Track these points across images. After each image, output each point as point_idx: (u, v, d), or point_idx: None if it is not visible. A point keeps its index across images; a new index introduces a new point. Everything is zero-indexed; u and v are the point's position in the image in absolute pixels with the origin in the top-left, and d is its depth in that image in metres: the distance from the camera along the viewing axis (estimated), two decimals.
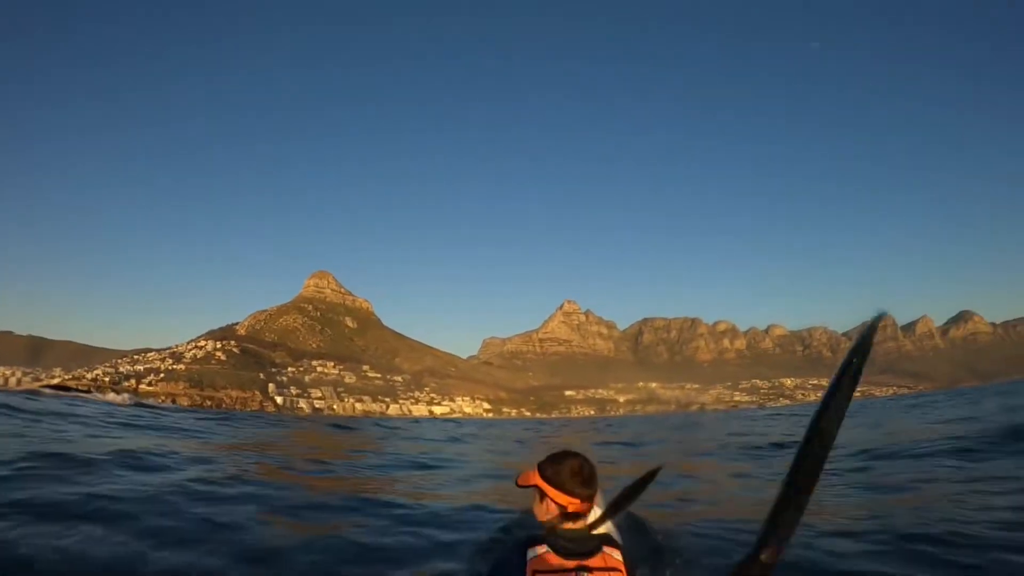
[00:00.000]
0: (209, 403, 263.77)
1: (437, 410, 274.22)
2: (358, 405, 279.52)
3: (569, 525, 2.74)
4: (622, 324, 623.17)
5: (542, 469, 2.84)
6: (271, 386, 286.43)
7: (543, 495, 2.79)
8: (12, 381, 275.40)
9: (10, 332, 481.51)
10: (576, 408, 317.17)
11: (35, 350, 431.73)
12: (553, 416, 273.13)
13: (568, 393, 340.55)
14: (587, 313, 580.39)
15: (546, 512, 2.79)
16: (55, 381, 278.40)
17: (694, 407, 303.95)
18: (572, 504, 2.69)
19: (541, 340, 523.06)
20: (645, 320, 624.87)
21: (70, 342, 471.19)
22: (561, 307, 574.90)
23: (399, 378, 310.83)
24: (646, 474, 3.41)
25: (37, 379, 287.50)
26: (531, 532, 2.83)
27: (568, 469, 2.84)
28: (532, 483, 2.92)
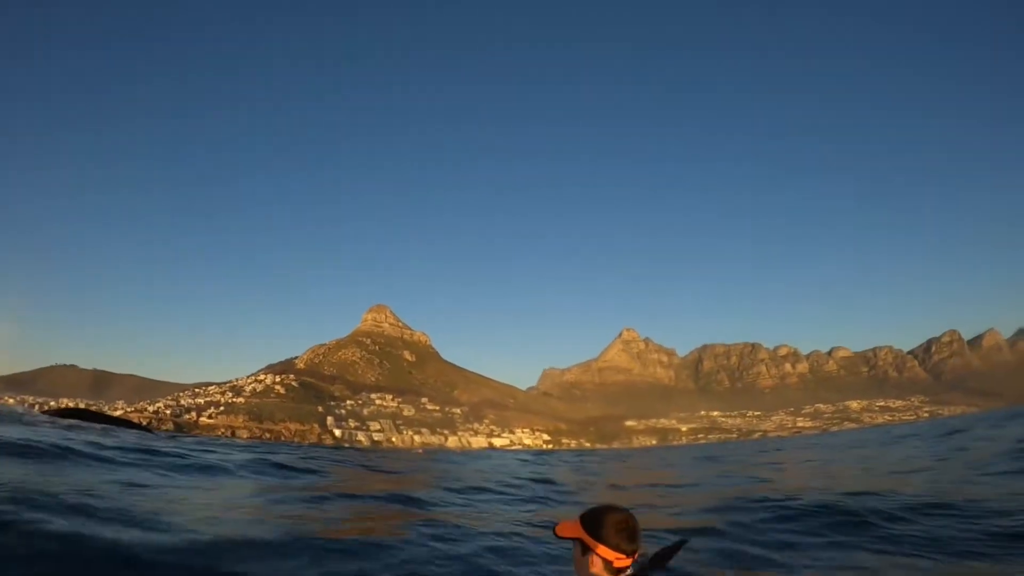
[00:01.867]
0: (268, 436, 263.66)
1: (497, 442, 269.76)
2: (416, 437, 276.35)
3: None
4: (682, 351, 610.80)
5: (586, 521, 2.66)
6: (329, 419, 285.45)
7: (586, 549, 2.64)
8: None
9: (75, 366, 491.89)
10: (637, 438, 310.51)
11: (99, 383, 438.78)
12: (614, 446, 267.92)
13: (629, 423, 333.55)
14: (646, 341, 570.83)
15: (589, 567, 2.63)
16: (117, 413, 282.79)
17: (756, 435, 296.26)
18: (619, 560, 2.54)
19: (600, 369, 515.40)
20: (704, 347, 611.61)
21: (133, 376, 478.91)
22: (620, 335, 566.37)
23: (458, 410, 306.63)
24: (673, 545, 3.04)
25: (101, 412, 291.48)
26: None
27: (614, 522, 2.63)
28: (575, 535, 2.71)
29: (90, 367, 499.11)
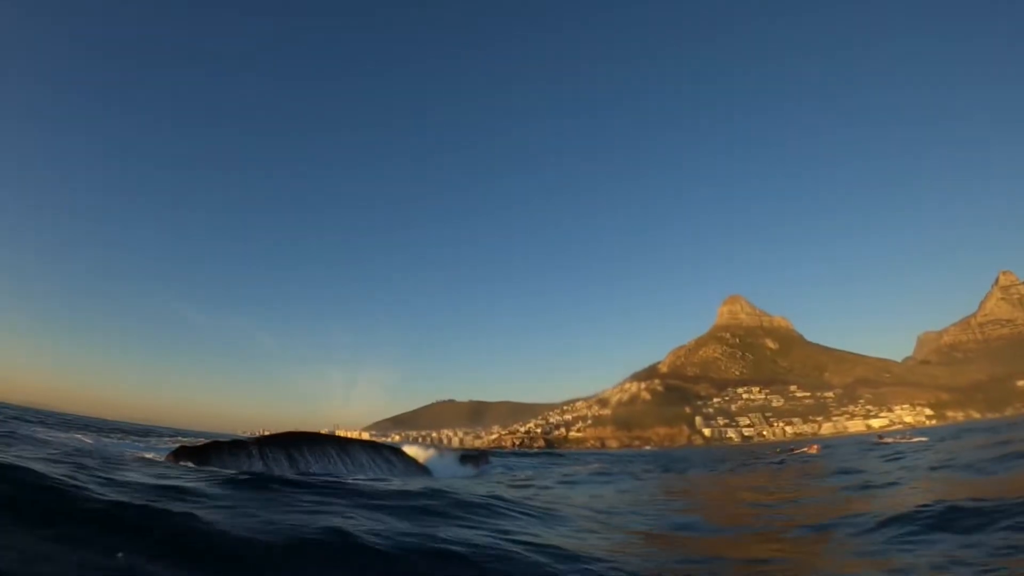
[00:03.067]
0: (637, 443, 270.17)
1: (875, 423, 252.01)
2: (788, 428, 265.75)
3: None
4: None
5: None
6: (697, 419, 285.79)
7: None
8: (455, 440, 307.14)
9: (452, 400, 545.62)
10: None
11: (475, 413, 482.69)
12: (1007, 413, 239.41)
13: (1020, 383, 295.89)
14: None
15: None
16: (493, 437, 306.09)
17: None
18: None
19: (980, 324, 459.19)
20: None
21: (505, 402, 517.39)
22: (997, 281, 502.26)
23: (830, 394, 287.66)
24: None
25: (478, 436, 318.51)
26: None
27: None
28: None
29: (466, 399, 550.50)
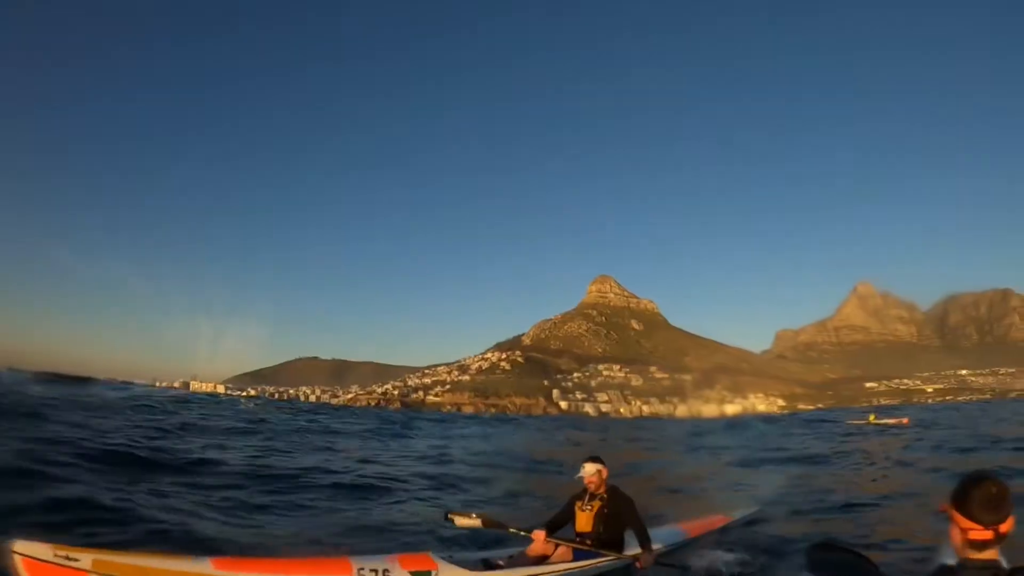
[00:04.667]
0: (493, 410, 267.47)
1: (729, 409, 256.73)
2: (645, 407, 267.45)
3: (974, 555, 2.50)
4: (924, 303, 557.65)
5: (955, 492, 2.55)
6: (555, 392, 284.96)
7: (950, 519, 2.57)
8: (312, 398, 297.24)
9: (316, 357, 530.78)
10: (879, 400, 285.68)
11: (338, 371, 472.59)
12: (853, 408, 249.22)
13: (869, 385, 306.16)
14: (884, 295, 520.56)
15: (953, 539, 2.59)
16: (349, 396, 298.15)
17: (1012, 394, 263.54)
18: (973, 531, 2.43)
19: (836, 328, 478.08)
20: (950, 297, 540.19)
21: (370, 362, 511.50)
22: (855, 290, 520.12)
23: (688, 377, 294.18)
24: None
25: (335, 395, 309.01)
26: (943, 562, 2.40)
27: (979, 492, 2.24)
28: (943, 507, 2.57)
29: (330, 357, 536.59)
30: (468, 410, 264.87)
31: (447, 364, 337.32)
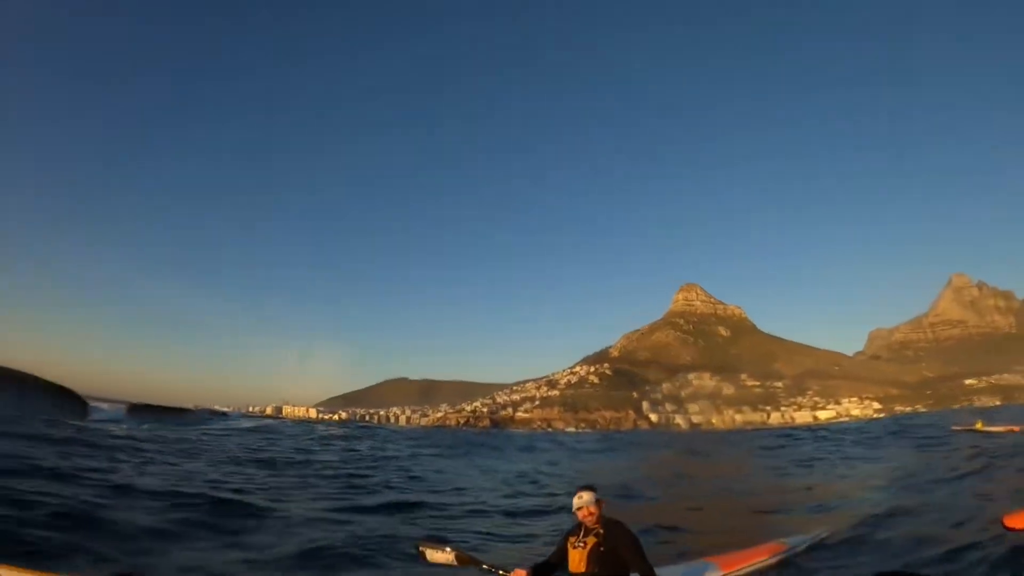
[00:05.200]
0: (583, 425, 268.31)
1: (822, 415, 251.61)
2: (737, 416, 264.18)
3: None
4: (1021, 292, 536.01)
5: None
6: (644, 404, 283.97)
7: None
8: (402, 418, 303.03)
9: (405, 378, 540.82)
10: (979, 399, 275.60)
11: (426, 391, 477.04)
12: (953, 409, 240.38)
13: (968, 382, 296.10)
14: (979, 285, 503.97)
15: None
16: (439, 415, 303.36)
17: None
18: None
19: (931, 324, 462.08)
20: None
21: (457, 381, 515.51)
22: (949, 282, 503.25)
23: (779, 384, 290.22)
24: None
25: (424, 415, 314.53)
26: None
27: None
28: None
29: (418, 377, 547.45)
30: (558, 426, 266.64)
31: (535, 380, 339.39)
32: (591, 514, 5.69)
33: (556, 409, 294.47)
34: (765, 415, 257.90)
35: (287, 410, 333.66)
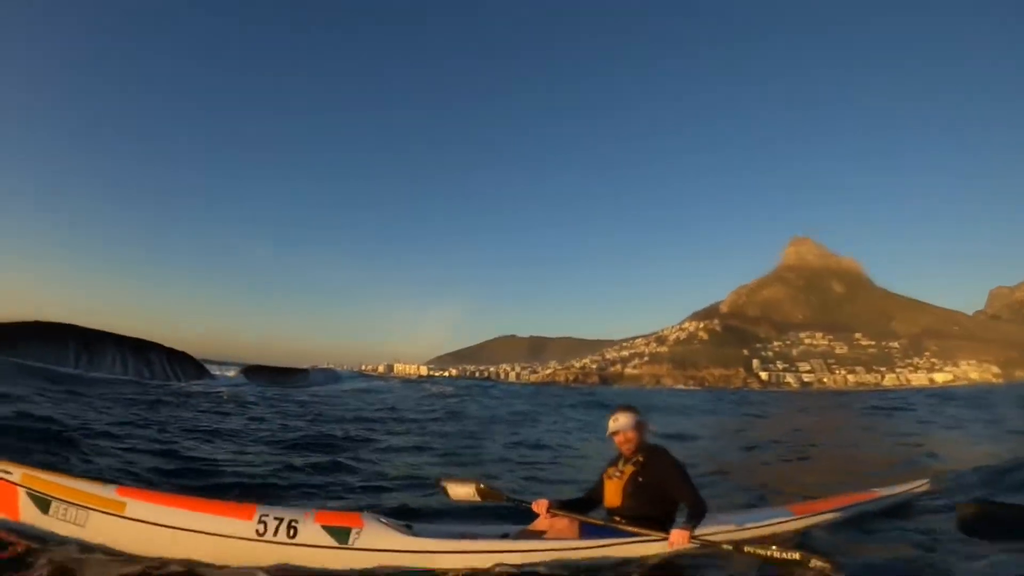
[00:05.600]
0: (691, 382, 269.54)
1: (939, 378, 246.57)
2: (850, 377, 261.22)
3: None
4: None
5: None
6: (755, 362, 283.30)
7: None
8: (512, 375, 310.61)
9: (514, 335, 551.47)
10: None
11: (535, 348, 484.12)
12: None
13: None
14: None
15: None
16: (547, 372, 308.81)
17: None
18: None
19: None
20: None
21: (566, 338, 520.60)
22: None
23: (895, 344, 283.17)
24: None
25: (534, 371, 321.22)
26: None
27: None
28: None
29: (527, 335, 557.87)
30: (667, 383, 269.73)
31: (644, 336, 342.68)
32: (628, 440, 4.99)
33: (665, 366, 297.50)
34: (879, 376, 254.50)
35: (398, 368, 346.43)
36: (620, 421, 4.95)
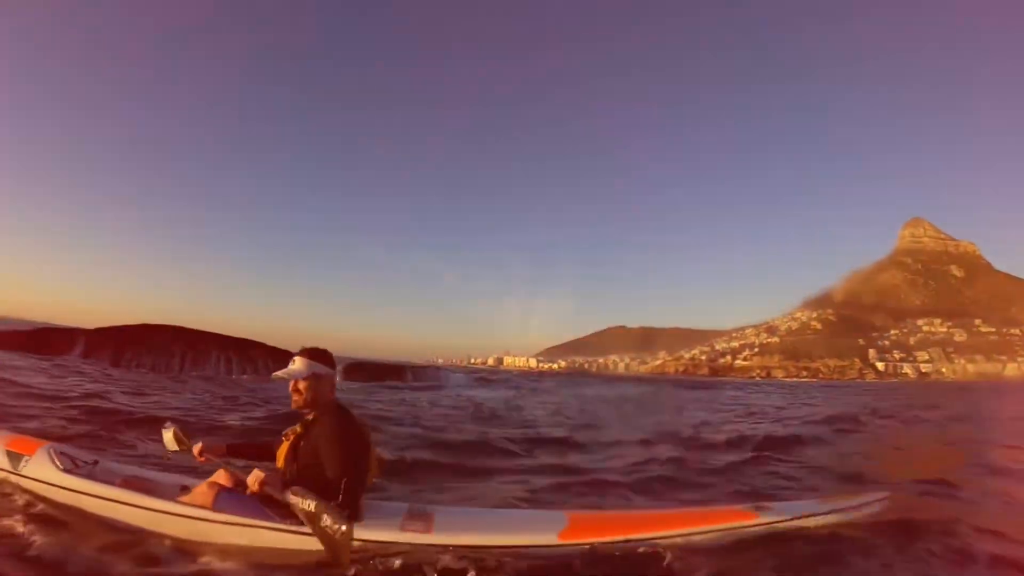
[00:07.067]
0: (805, 374, 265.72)
1: None
2: (970, 366, 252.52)
3: None
4: None
5: None
6: (871, 352, 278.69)
7: None
8: (621, 366, 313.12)
9: (623, 326, 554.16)
10: None
11: (646, 339, 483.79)
12: None
13: None
14: None
15: None
16: (657, 363, 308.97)
17: None
18: None
19: None
20: None
21: (677, 328, 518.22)
22: None
23: (1016, 331, 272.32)
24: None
25: (643, 362, 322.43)
26: None
27: None
28: None
29: (637, 325, 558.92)
30: (778, 375, 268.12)
31: (754, 325, 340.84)
32: (298, 392, 3.77)
33: (776, 357, 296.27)
34: (1001, 365, 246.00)
35: (508, 360, 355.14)
36: (293, 365, 3.81)
